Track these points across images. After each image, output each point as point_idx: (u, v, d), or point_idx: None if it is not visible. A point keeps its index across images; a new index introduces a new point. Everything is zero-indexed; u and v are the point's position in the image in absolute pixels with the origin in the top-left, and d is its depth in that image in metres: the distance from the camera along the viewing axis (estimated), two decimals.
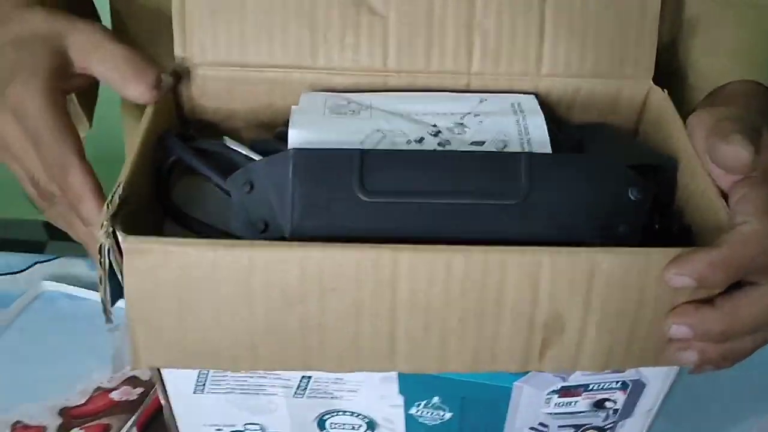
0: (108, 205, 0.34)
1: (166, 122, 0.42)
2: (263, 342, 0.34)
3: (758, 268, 0.33)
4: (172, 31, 0.43)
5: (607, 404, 0.41)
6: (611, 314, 0.34)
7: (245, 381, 0.39)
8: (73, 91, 0.43)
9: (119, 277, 0.34)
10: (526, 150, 0.38)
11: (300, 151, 0.36)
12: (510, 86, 0.43)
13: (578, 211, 0.35)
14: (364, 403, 0.41)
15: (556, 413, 0.42)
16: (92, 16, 0.58)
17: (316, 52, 0.43)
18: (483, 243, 0.33)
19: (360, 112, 0.41)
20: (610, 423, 0.43)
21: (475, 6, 0.42)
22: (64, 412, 0.53)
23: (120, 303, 0.35)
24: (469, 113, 0.41)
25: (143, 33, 0.55)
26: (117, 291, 0.34)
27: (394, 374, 0.38)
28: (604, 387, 0.40)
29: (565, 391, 0.40)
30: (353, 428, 0.42)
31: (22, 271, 0.64)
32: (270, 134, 0.43)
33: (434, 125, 0.40)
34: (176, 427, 0.42)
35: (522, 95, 0.43)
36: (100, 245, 0.33)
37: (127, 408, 0.53)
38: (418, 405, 0.41)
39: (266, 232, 0.36)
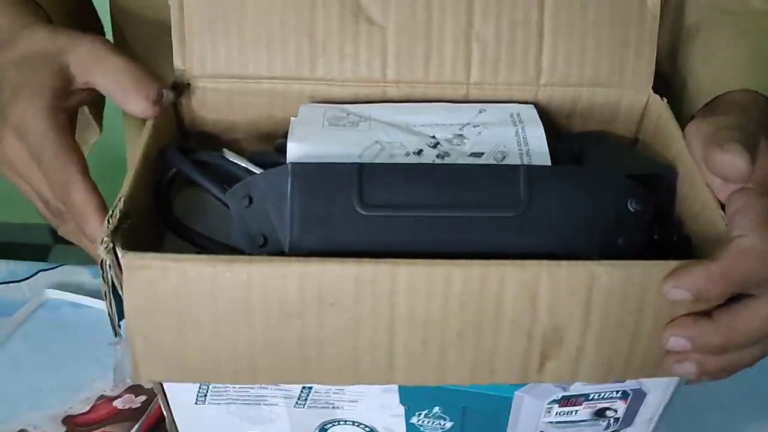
0: (108, 220, 0.34)
1: (167, 135, 0.42)
2: (262, 356, 0.35)
3: (757, 282, 0.33)
4: (171, 42, 0.43)
5: (608, 413, 0.41)
6: (610, 326, 0.34)
7: (246, 392, 0.39)
8: (77, 108, 0.43)
9: (120, 292, 0.34)
10: (525, 161, 0.38)
11: (298, 165, 0.36)
12: (509, 96, 0.43)
13: (577, 224, 0.35)
14: (365, 413, 0.41)
15: (557, 422, 0.42)
16: (97, 27, 0.58)
17: (315, 63, 0.43)
18: (482, 256, 0.33)
19: (359, 124, 0.41)
20: None
21: (474, 16, 0.42)
22: (67, 420, 0.53)
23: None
24: (468, 124, 0.41)
25: (143, 45, 0.55)
26: (122, 306, 0.34)
27: (395, 387, 0.38)
28: (605, 396, 0.40)
29: (566, 401, 0.40)
30: None
31: (25, 279, 0.65)
32: (270, 146, 0.43)
33: (433, 136, 0.40)
34: None
35: (521, 105, 0.43)
36: (102, 261, 0.33)
37: (130, 416, 0.54)
38: (419, 414, 0.41)
39: (265, 245, 0.36)
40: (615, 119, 0.45)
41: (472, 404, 0.40)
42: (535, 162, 0.38)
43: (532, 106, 0.43)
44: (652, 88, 0.44)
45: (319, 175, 0.35)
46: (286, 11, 0.42)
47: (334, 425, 0.42)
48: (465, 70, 0.43)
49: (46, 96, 0.38)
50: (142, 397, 0.55)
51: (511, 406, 0.40)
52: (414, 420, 0.41)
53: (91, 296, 0.62)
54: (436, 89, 0.43)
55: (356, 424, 0.41)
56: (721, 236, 0.35)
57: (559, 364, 0.35)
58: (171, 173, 0.39)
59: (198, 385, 0.39)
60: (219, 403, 0.40)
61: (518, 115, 0.42)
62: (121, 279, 0.33)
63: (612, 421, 0.42)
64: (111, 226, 0.34)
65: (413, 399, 0.40)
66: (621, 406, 0.41)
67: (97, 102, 0.50)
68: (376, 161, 0.38)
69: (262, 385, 0.39)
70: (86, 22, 0.57)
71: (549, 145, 0.39)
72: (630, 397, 0.40)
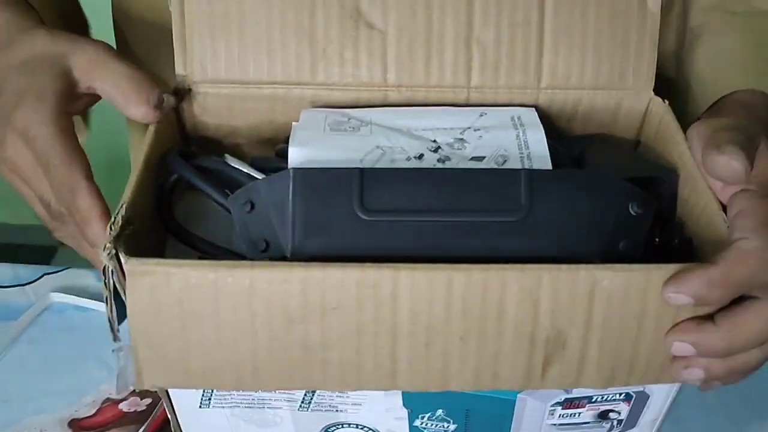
0: (111, 226, 0.34)
1: (169, 140, 0.43)
2: (265, 362, 0.35)
3: (759, 284, 0.33)
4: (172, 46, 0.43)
5: (611, 415, 0.41)
6: (613, 331, 0.34)
7: (250, 395, 0.40)
8: (82, 112, 0.43)
9: (123, 297, 0.34)
10: (526, 165, 0.38)
11: (300, 170, 0.36)
12: (510, 99, 0.43)
13: (579, 228, 0.35)
14: (368, 416, 0.41)
15: (560, 425, 0.42)
16: (84, 28, 0.58)
17: (316, 67, 0.43)
18: (483, 260, 0.34)
19: (360, 129, 0.41)
20: None
21: (474, 19, 0.42)
22: (73, 423, 0.54)
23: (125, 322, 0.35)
24: (469, 128, 0.41)
25: (146, 48, 0.55)
26: (123, 311, 0.35)
27: (398, 390, 0.39)
28: (608, 398, 0.40)
29: (569, 403, 0.40)
30: None
31: (30, 282, 0.65)
32: (272, 150, 0.43)
33: (434, 141, 0.40)
34: None
35: (522, 108, 0.43)
36: (104, 267, 0.34)
37: (135, 419, 0.54)
38: (423, 417, 0.41)
39: (267, 251, 0.36)
40: (616, 122, 0.45)
41: (475, 407, 0.40)
42: (536, 165, 0.38)
43: (533, 109, 0.43)
44: (654, 90, 0.44)
45: (321, 180, 0.35)
46: (287, 16, 0.42)
47: (337, 428, 0.42)
48: (465, 74, 0.43)
49: (51, 101, 0.39)
50: (148, 400, 0.55)
51: (514, 409, 0.40)
52: (417, 423, 0.41)
53: (96, 299, 0.63)
54: (437, 93, 0.43)
55: (360, 427, 0.42)
56: (723, 239, 0.35)
57: (562, 370, 0.35)
58: (173, 179, 0.39)
59: (202, 389, 0.39)
60: (223, 407, 0.40)
61: (519, 118, 0.42)
62: (124, 285, 0.33)
63: (615, 423, 0.42)
64: (114, 233, 0.34)
65: (416, 402, 0.40)
66: (624, 408, 0.41)
67: None
68: (377, 166, 0.38)
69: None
70: (75, 23, 0.57)
71: (550, 149, 0.39)
72: (633, 399, 0.40)
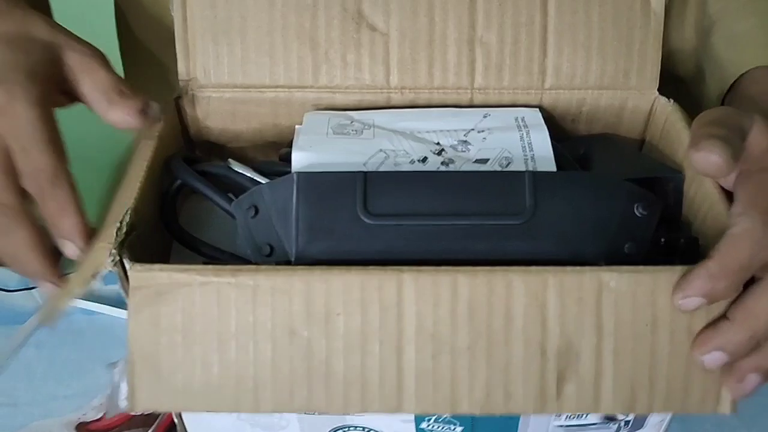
0: (116, 232, 0.34)
1: (172, 145, 0.43)
2: (266, 378, 0.34)
3: (759, 264, 0.33)
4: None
5: (619, 416, 0.41)
6: (626, 341, 0.34)
7: None
8: (59, 106, 0.41)
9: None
10: (530, 166, 0.38)
11: (303, 175, 0.36)
12: (514, 100, 0.43)
13: (583, 230, 0.35)
14: (375, 419, 0.41)
15: (567, 426, 0.42)
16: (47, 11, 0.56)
17: (319, 71, 0.43)
18: (488, 263, 0.33)
19: (363, 132, 0.41)
20: None
21: (477, 21, 0.42)
22: (80, 427, 0.54)
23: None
24: (473, 129, 0.41)
25: (150, 51, 0.55)
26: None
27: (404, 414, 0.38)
28: None
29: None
30: None
31: (37, 286, 0.65)
32: (275, 154, 0.43)
33: (438, 143, 0.40)
34: None
35: (526, 109, 0.43)
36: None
37: (142, 422, 0.54)
38: (429, 420, 0.41)
39: (272, 255, 0.36)
40: (621, 122, 0.45)
41: None
42: (540, 167, 0.38)
43: (537, 110, 0.43)
44: (659, 89, 0.44)
45: (324, 185, 0.35)
46: (288, 20, 0.42)
47: (344, 431, 0.42)
48: (469, 75, 0.43)
49: (42, 83, 0.37)
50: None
51: None
52: (424, 425, 0.41)
53: (103, 303, 0.63)
54: (441, 95, 0.43)
55: (366, 429, 0.42)
56: None
57: (578, 388, 0.34)
58: (177, 184, 0.39)
59: (199, 412, 0.39)
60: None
61: (523, 119, 0.42)
62: (128, 290, 0.33)
63: (623, 424, 0.42)
64: (118, 239, 0.34)
65: None
66: None
67: None
68: (381, 170, 0.38)
69: None
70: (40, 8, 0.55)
71: (554, 150, 0.39)
72: None
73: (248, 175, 0.39)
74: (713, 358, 0.33)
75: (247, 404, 0.34)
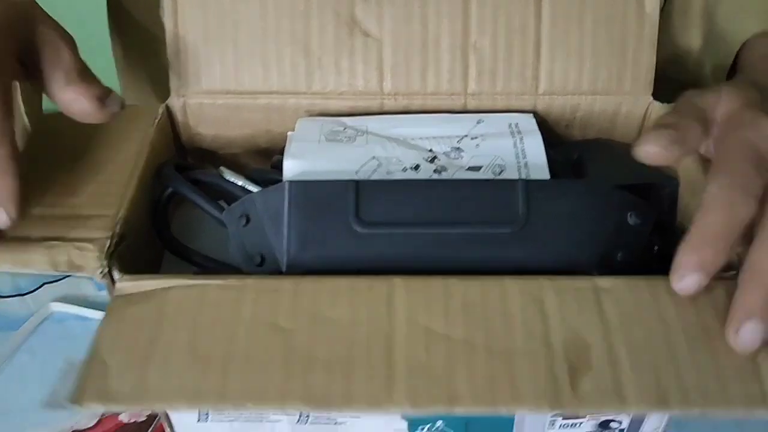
0: (107, 242, 0.34)
1: (164, 152, 0.42)
2: (236, 368, 0.31)
3: (746, 221, 0.32)
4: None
5: (612, 425, 0.41)
6: (637, 331, 0.32)
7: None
8: (11, 77, 0.38)
9: None
10: (524, 173, 0.38)
11: (295, 183, 0.35)
12: (507, 106, 0.43)
13: (576, 239, 0.34)
14: (368, 428, 0.41)
15: None
16: None
17: (311, 76, 0.43)
18: (480, 272, 0.33)
19: (356, 138, 0.40)
20: None
21: (470, 26, 0.42)
22: None
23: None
24: (466, 136, 0.41)
25: (143, 56, 0.55)
26: None
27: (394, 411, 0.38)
28: None
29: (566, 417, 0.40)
30: None
31: (30, 292, 0.65)
32: (268, 160, 0.43)
33: (430, 150, 0.40)
34: None
35: (520, 114, 0.43)
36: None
37: (135, 430, 0.54)
38: (422, 429, 0.41)
39: (263, 265, 0.36)
40: (615, 127, 0.44)
41: (475, 417, 0.40)
42: (534, 174, 0.38)
43: (531, 115, 0.43)
44: (653, 94, 0.43)
45: (316, 193, 0.35)
46: (281, 26, 0.42)
47: None
48: (462, 81, 0.43)
49: (5, 43, 0.35)
50: (148, 411, 0.55)
51: (514, 419, 0.40)
52: None
53: (97, 308, 0.62)
54: (434, 100, 0.43)
55: None
56: None
57: (595, 380, 0.30)
58: (168, 192, 0.39)
59: (197, 410, 0.39)
60: (222, 421, 0.40)
61: (516, 125, 0.41)
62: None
63: None
64: (109, 250, 0.34)
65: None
66: (625, 418, 0.41)
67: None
68: (373, 177, 0.38)
69: None
70: None
71: (548, 156, 0.39)
72: None
73: (239, 183, 0.39)
74: (750, 330, 0.31)
75: (211, 395, 0.30)
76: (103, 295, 0.64)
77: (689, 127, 0.36)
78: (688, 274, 0.32)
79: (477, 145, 0.40)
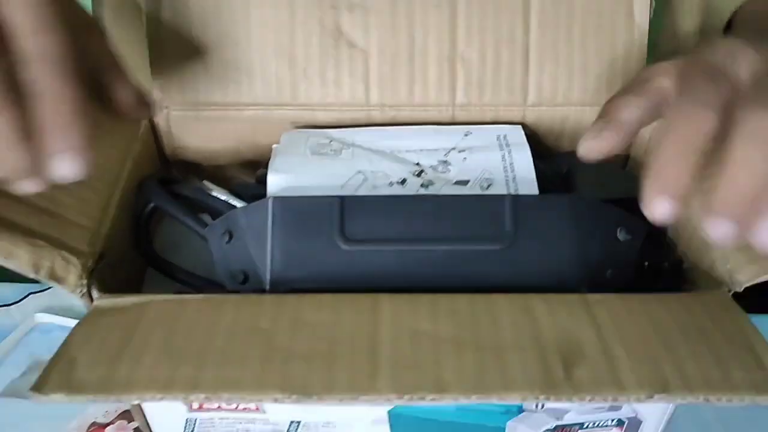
0: (87, 261, 0.33)
1: (148, 165, 0.42)
2: (211, 359, 0.29)
3: (708, 136, 0.30)
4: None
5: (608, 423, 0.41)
6: (629, 330, 0.31)
7: (234, 427, 0.39)
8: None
9: None
10: (512, 187, 0.37)
11: (278, 200, 0.35)
12: (496, 117, 0.42)
13: (565, 256, 0.34)
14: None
15: None
16: None
17: (297, 88, 0.42)
18: (468, 290, 0.33)
19: (342, 152, 0.40)
20: None
21: (457, 37, 0.41)
22: None
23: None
24: (454, 149, 0.40)
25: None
26: None
27: (385, 416, 0.38)
28: (600, 425, 0.39)
29: (560, 430, 0.39)
30: None
31: (15, 302, 0.64)
32: (254, 172, 0.42)
33: (417, 164, 0.39)
34: None
35: (508, 126, 0.42)
36: None
37: None
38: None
39: (246, 283, 0.35)
40: None
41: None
42: (522, 189, 0.37)
43: (519, 127, 0.42)
44: None
45: (300, 210, 0.35)
46: (266, 37, 0.41)
47: None
48: (450, 92, 0.42)
49: None
50: (134, 424, 0.54)
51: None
52: None
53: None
54: (421, 112, 0.43)
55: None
56: (716, 260, 0.34)
57: (590, 369, 0.29)
58: (150, 207, 0.38)
59: (185, 420, 0.38)
60: None
61: (505, 137, 0.41)
62: None
63: None
64: (89, 267, 0.33)
65: (404, 430, 0.39)
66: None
67: None
68: (359, 192, 0.37)
69: (250, 419, 0.38)
70: None
71: (536, 168, 0.38)
72: (626, 425, 0.39)
73: (223, 198, 0.38)
74: (715, 227, 0.28)
75: (183, 384, 0.28)
76: (89, 306, 0.64)
77: (623, 106, 0.33)
78: (657, 200, 0.29)
79: (464, 158, 0.39)
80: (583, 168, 0.42)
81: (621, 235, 0.35)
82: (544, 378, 0.28)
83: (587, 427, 0.39)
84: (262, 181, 0.39)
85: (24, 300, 0.64)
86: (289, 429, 0.38)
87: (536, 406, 0.37)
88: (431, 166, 0.39)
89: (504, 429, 0.39)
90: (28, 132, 0.28)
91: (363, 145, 0.40)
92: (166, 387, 0.28)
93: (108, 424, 0.54)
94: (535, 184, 0.37)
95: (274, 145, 0.41)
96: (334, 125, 0.42)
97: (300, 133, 0.42)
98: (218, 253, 0.36)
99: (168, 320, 0.31)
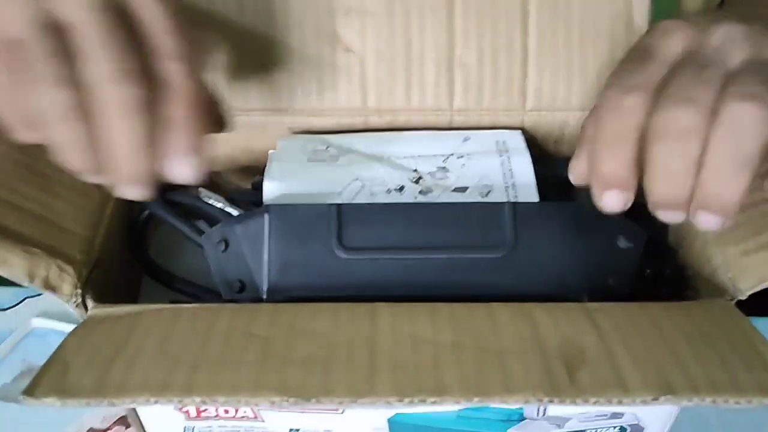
0: (82, 270, 0.33)
1: None
2: (206, 363, 0.29)
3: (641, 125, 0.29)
4: None
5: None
6: (631, 333, 0.30)
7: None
8: None
9: None
10: (511, 194, 0.37)
11: (275, 207, 0.34)
12: (494, 122, 0.42)
13: (565, 264, 0.34)
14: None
15: None
16: None
17: (293, 94, 0.41)
18: (467, 299, 0.32)
19: (339, 158, 0.39)
20: None
21: (455, 41, 0.41)
22: None
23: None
24: (452, 154, 0.40)
25: None
26: None
27: (384, 424, 0.37)
28: None
29: None
30: None
31: (11, 307, 0.63)
32: (250, 178, 0.42)
33: (415, 170, 0.39)
34: None
35: (507, 131, 0.42)
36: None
37: None
38: None
39: (243, 292, 0.35)
40: None
41: None
42: (521, 195, 0.37)
43: (519, 132, 0.42)
44: None
45: (296, 218, 0.34)
46: (261, 41, 0.41)
47: None
48: (448, 97, 0.42)
49: None
50: (132, 430, 0.54)
51: None
52: None
53: (77, 324, 0.61)
54: (419, 116, 0.42)
55: None
56: (717, 267, 0.34)
57: (594, 371, 0.29)
58: (145, 214, 0.38)
59: (183, 426, 0.38)
60: None
61: (504, 142, 0.40)
62: None
63: None
64: (82, 277, 0.33)
65: None
66: None
67: None
68: (357, 200, 0.37)
69: (248, 428, 0.38)
70: None
71: (536, 173, 0.38)
72: None
73: (219, 205, 0.38)
74: (707, 219, 0.29)
75: (178, 388, 0.28)
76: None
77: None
78: (603, 196, 0.30)
79: (463, 164, 0.39)
80: None
81: (621, 242, 0.34)
82: (547, 380, 0.28)
83: None
84: (259, 188, 0.38)
85: (20, 304, 0.64)
86: None
87: (537, 413, 0.37)
88: (429, 173, 0.38)
89: None
90: (151, 136, 0.28)
91: (360, 151, 0.40)
92: (160, 391, 0.28)
93: (105, 430, 0.54)
94: (535, 190, 0.37)
95: (270, 151, 0.40)
96: (331, 131, 0.42)
97: (296, 139, 0.41)
98: (214, 261, 0.35)
99: (163, 326, 0.31)
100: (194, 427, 0.38)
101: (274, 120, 0.42)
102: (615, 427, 0.39)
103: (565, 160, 0.43)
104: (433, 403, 0.28)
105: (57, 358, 0.30)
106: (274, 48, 0.41)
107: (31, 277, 0.34)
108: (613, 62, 0.41)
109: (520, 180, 0.38)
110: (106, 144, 0.27)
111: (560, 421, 0.38)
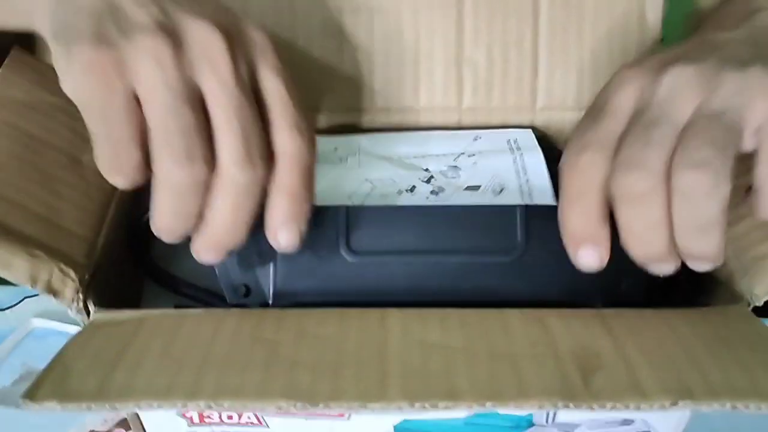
0: (83, 274, 0.32)
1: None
2: (213, 365, 0.28)
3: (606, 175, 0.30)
4: None
5: None
6: (648, 338, 0.30)
7: None
8: None
9: None
10: (525, 191, 0.36)
11: None
12: (504, 121, 0.41)
13: (577, 269, 0.33)
14: None
15: None
16: None
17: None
18: (478, 303, 0.32)
19: (347, 159, 0.39)
20: None
21: (464, 39, 0.40)
22: None
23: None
24: (463, 153, 0.39)
25: None
26: None
27: (391, 430, 0.37)
28: None
29: None
30: None
31: (10, 307, 0.63)
32: None
33: (426, 169, 0.38)
34: None
35: (518, 130, 0.41)
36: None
37: None
38: None
39: (249, 296, 0.34)
40: None
41: None
42: (536, 192, 0.36)
43: (530, 130, 0.41)
44: None
45: None
46: None
47: None
48: (457, 95, 0.41)
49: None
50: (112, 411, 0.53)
51: None
52: None
53: (78, 324, 0.60)
54: (428, 115, 0.41)
55: None
56: (733, 272, 0.33)
57: (609, 376, 0.28)
58: (147, 217, 0.37)
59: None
60: None
61: (515, 141, 0.40)
62: None
63: None
64: (85, 281, 0.32)
65: None
66: None
67: None
68: (367, 202, 0.36)
69: None
70: None
71: (549, 171, 0.37)
72: None
73: None
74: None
75: (183, 392, 0.27)
76: None
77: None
78: (576, 253, 0.30)
79: (474, 162, 0.38)
80: None
81: None
82: (562, 385, 0.28)
83: None
84: None
85: (19, 304, 0.63)
86: None
87: (546, 419, 0.36)
88: (441, 172, 0.38)
89: None
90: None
91: (369, 152, 0.39)
92: (164, 394, 0.27)
93: None
94: (550, 187, 0.36)
95: None
96: (338, 130, 0.41)
97: None
98: (219, 265, 0.35)
99: (167, 330, 0.30)
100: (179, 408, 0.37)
101: None
102: None
103: None
104: (446, 408, 0.27)
105: (58, 361, 0.30)
106: (280, 45, 0.40)
107: (33, 281, 0.34)
108: (625, 60, 0.41)
109: (534, 177, 0.37)
110: (211, 216, 0.29)
111: (569, 428, 0.37)
